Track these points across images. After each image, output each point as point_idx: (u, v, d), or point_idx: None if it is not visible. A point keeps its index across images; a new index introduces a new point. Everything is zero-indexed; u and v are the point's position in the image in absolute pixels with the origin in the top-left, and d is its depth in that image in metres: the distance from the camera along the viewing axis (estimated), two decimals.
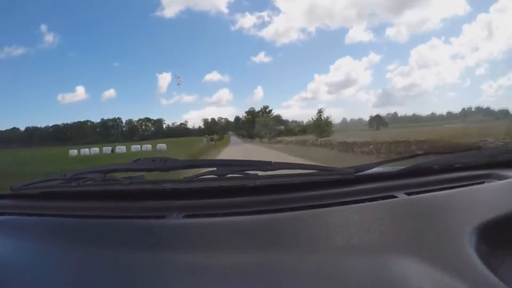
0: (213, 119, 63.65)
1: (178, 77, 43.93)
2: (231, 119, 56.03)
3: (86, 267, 0.45)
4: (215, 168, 0.70)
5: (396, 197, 0.63)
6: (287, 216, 0.56)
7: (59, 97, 62.39)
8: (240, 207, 0.62)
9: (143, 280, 0.40)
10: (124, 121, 58.34)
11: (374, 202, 0.61)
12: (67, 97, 64.79)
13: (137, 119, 59.43)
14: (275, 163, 0.70)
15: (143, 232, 0.56)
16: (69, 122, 53.23)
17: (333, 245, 0.45)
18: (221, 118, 63.10)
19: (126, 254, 0.48)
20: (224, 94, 64.15)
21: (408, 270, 0.38)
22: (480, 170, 0.77)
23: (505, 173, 0.73)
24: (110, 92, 56.59)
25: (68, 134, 48.82)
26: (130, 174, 0.83)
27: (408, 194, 0.64)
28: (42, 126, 53.04)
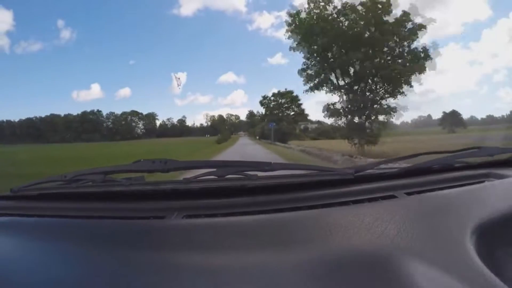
0: (220, 116, 57.34)
1: (178, 78, 43.29)
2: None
3: (86, 268, 0.46)
4: (215, 169, 0.70)
5: (396, 197, 0.63)
6: (287, 216, 0.56)
7: (74, 94, 62.35)
8: (240, 207, 0.62)
9: (143, 280, 0.40)
10: (104, 115, 50.36)
11: (374, 202, 0.61)
12: (82, 95, 63.86)
13: (121, 112, 51.75)
14: (275, 163, 0.70)
15: (143, 233, 0.56)
16: (42, 115, 48.25)
17: (333, 245, 0.45)
18: (231, 115, 57.11)
19: (126, 254, 0.48)
20: (239, 95, 62.04)
21: (408, 270, 0.38)
22: (480, 169, 0.78)
23: (505, 172, 0.73)
24: (125, 91, 54.59)
25: (39, 129, 43.91)
26: (130, 175, 0.83)
27: (408, 193, 0.64)
28: (16, 120, 48.33)
